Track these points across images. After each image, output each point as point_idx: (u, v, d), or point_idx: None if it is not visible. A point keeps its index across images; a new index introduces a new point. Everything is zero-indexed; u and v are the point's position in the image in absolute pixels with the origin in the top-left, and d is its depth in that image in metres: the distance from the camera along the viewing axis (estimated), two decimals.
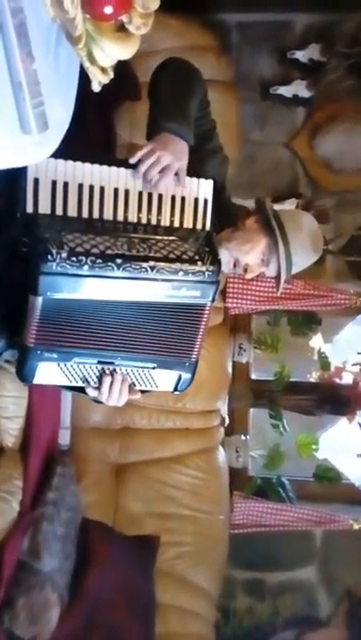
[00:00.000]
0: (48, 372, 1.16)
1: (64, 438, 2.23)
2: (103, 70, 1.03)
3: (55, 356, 1.14)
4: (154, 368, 1.22)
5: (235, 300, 2.42)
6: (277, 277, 1.32)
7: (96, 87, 1.04)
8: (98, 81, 1.03)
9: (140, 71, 1.97)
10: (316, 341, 2.64)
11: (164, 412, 2.42)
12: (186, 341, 1.21)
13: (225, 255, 1.26)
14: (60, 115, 1.03)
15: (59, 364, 1.16)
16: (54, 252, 1.04)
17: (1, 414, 1.87)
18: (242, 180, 2.27)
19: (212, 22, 2.39)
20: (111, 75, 1.05)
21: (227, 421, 2.55)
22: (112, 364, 1.18)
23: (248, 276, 1.33)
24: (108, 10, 0.92)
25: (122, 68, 1.08)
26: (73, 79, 1.07)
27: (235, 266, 1.31)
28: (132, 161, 1.17)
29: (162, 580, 2.17)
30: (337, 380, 2.60)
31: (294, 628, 2.52)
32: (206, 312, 1.19)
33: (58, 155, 1.08)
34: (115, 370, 1.19)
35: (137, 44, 1.01)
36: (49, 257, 1.04)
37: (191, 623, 2.22)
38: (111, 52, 0.99)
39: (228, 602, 2.49)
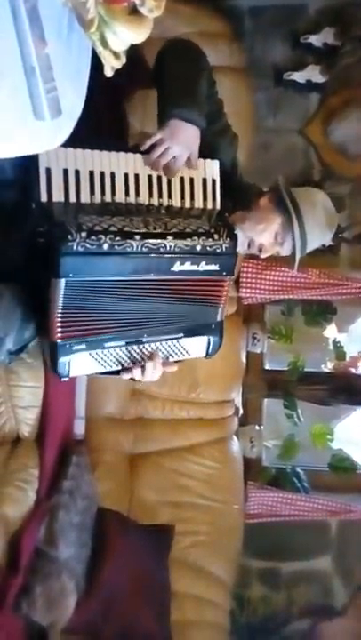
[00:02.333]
0: (82, 363, 1.17)
1: (79, 428, 2.24)
2: (116, 55, 1.01)
3: (84, 346, 1.14)
4: (182, 337, 1.22)
5: (248, 290, 2.40)
6: (292, 256, 1.31)
7: (109, 72, 1.03)
8: (110, 66, 1.02)
9: (150, 57, 1.95)
10: (331, 331, 2.61)
11: (177, 403, 2.42)
12: (209, 310, 1.23)
13: (239, 236, 1.26)
14: (73, 100, 1.02)
15: (90, 354, 1.17)
16: (73, 232, 1.05)
17: (17, 404, 1.88)
18: (255, 167, 2.23)
19: (223, 8, 2.35)
20: (124, 59, 1.04)
21: (241, 411, 2.55)
22: (140, 342, 1.19)
23: (263, 256, 1.33)
24: None
25: (134, 54, 1.07)
26: (85, 64, 1.06)
27: (249, 246, 1.31)
28: (143, 149, 1.18)
29: (177, 569, 2.18)
30: (352, 370, 2.58)
31: (309, 617, 2.52)
32: (226, 285, 1.20)
33: (69, 142, 1.08)
34: (144, 348, 1.20)
35: (150, 27, 1.00)
36: (69, 237, 1.04)
37: (207, 611, 2.23)
38: (124, 35, 0.97)
39: (243, 591, 2.49)
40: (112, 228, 1.07)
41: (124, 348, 1.19)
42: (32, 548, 1.75)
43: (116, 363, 1.21)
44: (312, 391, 2.57)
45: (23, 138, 0.95)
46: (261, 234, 1.29)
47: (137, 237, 1.08)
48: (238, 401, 2.53)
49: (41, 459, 1.84)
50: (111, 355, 1.19)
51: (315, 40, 2.38)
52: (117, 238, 1.07)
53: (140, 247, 1.08)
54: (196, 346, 1.26)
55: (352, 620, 2.52)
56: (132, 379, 1.26)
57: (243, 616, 2.49)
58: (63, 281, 1.06)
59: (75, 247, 1.04)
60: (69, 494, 1.90)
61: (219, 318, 1.25)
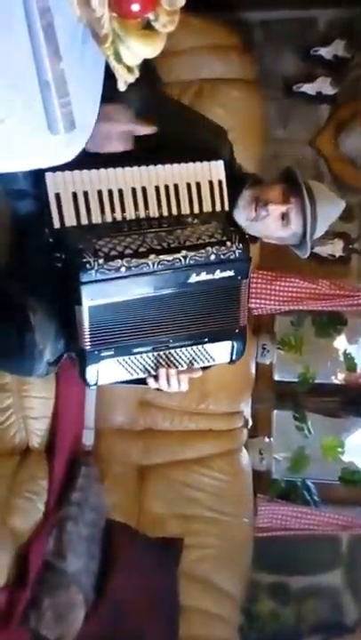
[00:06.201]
0: (109, 371, 1.20)
1: (88, 439, 2.23)
2: (129, 69, 1.03)
3: (112, 352, 1.17)
4: (206, 342, 1.25)
5: (258, 301, 2.39)
6: (303, 236, 1.30)
7: (122, 86, 1.04)
8: (124, 80, 1.03)
9: (162, 70, 1.97)
10: (342, 342, 2.60)
11: (187, 414, 2.41)
12: (230, 314, 1.26)
13: (245, 197, 1.27)
14: (86, 114, 1.03)
15: (118, 360, 1.19)
16: (91, 260, 1.09)
17: (28, 415, 1.88)
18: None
19: (234, 20, 2.38)
20: (137, 74, 1.05)
21: (250, 423, 2.53)
22: (167, 347, 1.21)
23: (271, 214, 1.28)
24: (135, 7, 0.91)
25: (144, 66, 1.08)
26: (98, 78, 1.08)
27: (256, 210, 1.29)
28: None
29: (185, 583, 2.15)
30: None
31: (320, 633, 2.48)
32: (243, 288, 1.23)
33: (77, 157, 1.09)
34: (169, 357, 1.23)
35: (163, 41, 1.01)
36: (87, 266, 1.08)
37: (215, 626, 2.20)
38: (138, 50, 0.98)
39: (251, 605, 2.46)
40: (127, 251, 1.11)
41: (150, 354, 1.21)
42: (40, 560, 1.74)
43: (143, 370, 1.23)
44: (322, 403, 2.55)
45: (38, 151, 0.96)
46: (267, 193, 1.31)
47: (152, 256, 1.12)
48: (248, 412, 2.51)
49: (50, 470, 1.84)
50: (138, 361, 1.22)
51: (325, 52, 2.40)
52: (133, 260, 1.10)
53: (156, 265, 1.12)
54: (220, 351, 1.28)
55: None
56: (159, 389, 1.29)
57: (252, 631, 2.46)
58: (86, 308, 1.11)
59: (94, 275, 1.09)
60: (78, 506, 1.89)
61: (241, 323, 1.26)
